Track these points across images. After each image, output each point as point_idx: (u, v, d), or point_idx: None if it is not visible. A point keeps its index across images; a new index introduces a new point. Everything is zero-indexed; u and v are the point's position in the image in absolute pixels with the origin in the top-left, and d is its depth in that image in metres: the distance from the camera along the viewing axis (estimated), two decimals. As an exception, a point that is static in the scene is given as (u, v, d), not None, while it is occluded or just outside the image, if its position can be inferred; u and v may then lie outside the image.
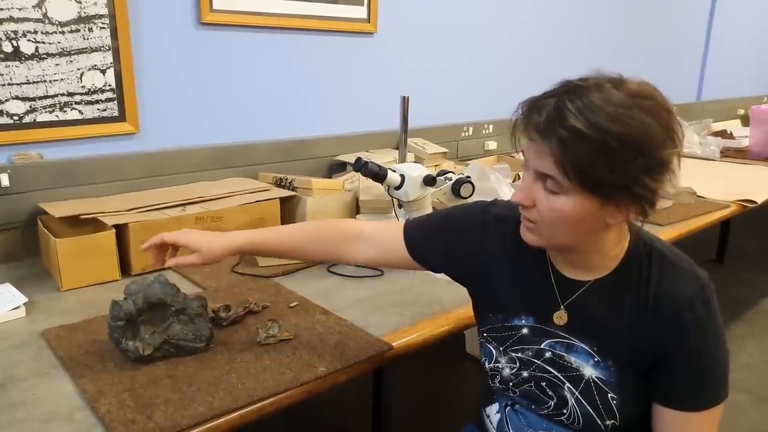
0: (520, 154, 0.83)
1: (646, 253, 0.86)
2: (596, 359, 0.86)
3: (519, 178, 2.21)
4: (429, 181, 1.56)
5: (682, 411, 0.83)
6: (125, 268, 1.41)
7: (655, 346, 0.82)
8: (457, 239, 0.98)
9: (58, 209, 1.42)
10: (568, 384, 0.88)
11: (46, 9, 1.48)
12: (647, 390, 0.85)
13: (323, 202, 1.72)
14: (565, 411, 0.88)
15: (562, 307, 0.89)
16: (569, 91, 0.76)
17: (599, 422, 0.86)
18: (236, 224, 1.55)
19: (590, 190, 0.75)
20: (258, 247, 1.04)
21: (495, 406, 1.01)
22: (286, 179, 1.79)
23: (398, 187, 1.54)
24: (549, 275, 0.90)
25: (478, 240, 0.97)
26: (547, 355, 0.90)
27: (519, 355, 0.92)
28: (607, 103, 0.73)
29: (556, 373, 0.89)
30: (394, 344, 1.10)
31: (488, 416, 1.03)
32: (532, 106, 0.78)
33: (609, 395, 0.85)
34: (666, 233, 1.81)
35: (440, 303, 1.27)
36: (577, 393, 0.87)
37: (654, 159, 0.74)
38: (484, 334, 0.98)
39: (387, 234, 1.03)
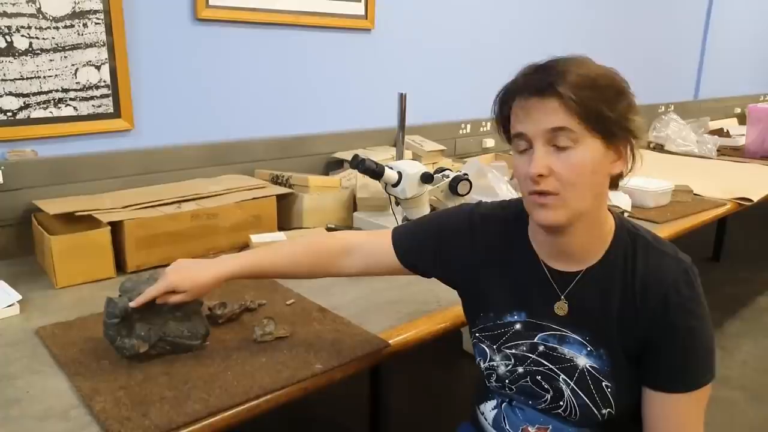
0: (516, 125, 0.84)
1: (630, 240, 0.88)
2: (589, 348, 0.87)
3: (516, 175, 2.20)
4: (426, 178, 1.55)
5: (670, 393, 0.84)
6: (120, 266, 1.40)
7: (643, 331, 0.84)
8: (445, 243, 0.99)
9: (52, 206, 1.41)
10: (562, 375, 0.89)
11: (39, 4, 1.47)
12: (639, 375, 0.87)
13: (320, 200, 1.72)
14: (561, 403, 0.89)
15: (562, 297, 0.90)
16: (556, 60, 0.83)
17: (595, 412, 0.87)
18: (232, 221, 1.54)
19: (598, 130, 0.80)
20: (248, 272, 1.02)
21: (491, 403, 1.01)
22: (283, 176, 1.78)
23: (396, 185, 1.54)
24: (542, 269, 0.91)
25: (467, 242, 0.98)
26: (541, 348, 0.91)
27: (513, 351, 0.93)
28: (590, 64, 0.84)
29: (550, 366, 0.90)
30: (390, 342, 1.10)
31: (483, 413, 1.03)
32: (530, 70, 0.83)
33: (603, 383, 0.86)
34: (663, 231, 1.81)
35: (437, 300, 1.27)
36: (572, 384, 0.88)
37: (630, 99, 0.84)
38: (477, 335, 0.98)
39: (375, 243, 1.04)
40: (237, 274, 1.01)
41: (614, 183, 0.87)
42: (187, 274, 0.98)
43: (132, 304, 0.98)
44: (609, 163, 0.83)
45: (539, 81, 0.80)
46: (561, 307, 0.90)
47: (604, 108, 0.80)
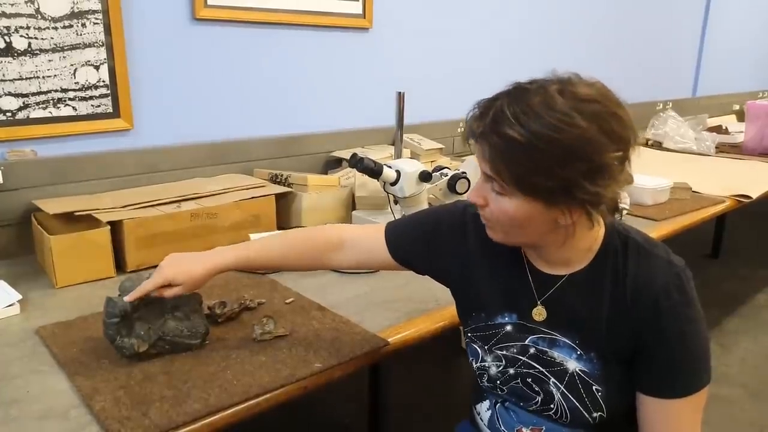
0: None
1: (621, 243, 0.86)
2: (579, 352, 0.86)
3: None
4: (425, 176, 1.56)
5: (665, 398, 0.83)
6: (120, 265, 1.40)
7: (634, 336, 0.83)
8: (437, 240, 0.99)
9: (52, 206, 1.42)
10: (552, 379, 0.88)
11: (38, 4, 1.47)
12: (632, 380, 0.86)
13: (319, 198, 1.72)
14: (552, 406, 0.89)
15: (539, 303, 0.89)
16: (512, 94, 0.77)
17: (586, 415, 0.86)
18: (231, 221, 1.54)
19: (530, 194, 0.77)
20: (243, 264, 1.03)
21: (485, 404, 1.01)
22: (282, 175, 1.78)
23: (394, 183, 1.54)
24: (525, 271, 0.91)
25: (458, 240, 0.97)
26: (531, 351, 0.90)
27: (504, 352, 0.93)
28: (547, 108, 0.73)
29: (540, 369, 0.89)
30: (390, 340, 1.11)
31: (479, 414, 1.03)
32: (478, 109, 0.80)
33: (594, 387, 0.85)
34: (661, 229, 1.81)
35: (435, 299, 1.27)
36: (562, 387, 0.87)
37: (593, 163, 0.74)
38: (469, 334, 0.98)
39: (369, 238, 1.04)
40: (231, 266, 1.01)
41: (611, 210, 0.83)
42: (183, 268, 0.98)
43: (126, 299, 0.98)
44: (554, 215, 0.79)
45: (473, 128, 0.79)
46: (539, 313, 0.89)
47: (535, 174, 0.74)
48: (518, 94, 0.76)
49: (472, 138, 0.80)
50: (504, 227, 0.84)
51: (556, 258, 0.88)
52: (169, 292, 0.98)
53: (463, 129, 0.83)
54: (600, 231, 0.87)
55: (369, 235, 1.04)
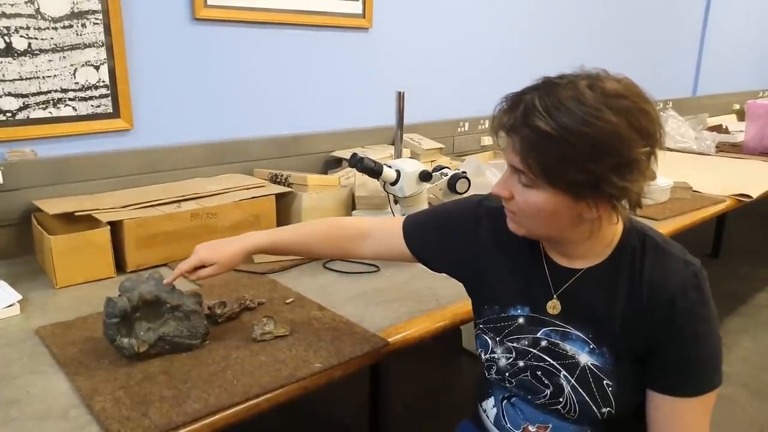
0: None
1: (639, 241, 0.87)
2: (591, 346, 0.87)
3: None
4: (425, 176, 1.55)
5: (675, 397, 0.83)
6: (120, 265, 1.40)
7: (649, 333, 0.83)
8: (451, 234, 1.00)
9: (52, 206, 1.42)
10: (563, 372, 0.88)
11: (38, 4, 1.47)
12: (643, 377, 0.86)
13: (319, 198, 1.72)
14: (561, 399, 0.89)
15: (554, 296, 0.90)
16: (542, 88, 0.77)
17: (595, 410, 0.86)
18: (231, 221, 1.54)
19: (558, 187, 0.78)
20: (270, 247, 1.08)
21: (491, 400, 1.01)
22: (282, 175, 1.78)
23: (394, 183, 1.54)
24: (542, 264, 0.92)
25: (473, 233, 0.98)
26: (543, 343, 0.90)
27: (515, 344, 0.93)
28: (577, 102, 0.74)
29: (551, 362, 0.89)
30: (390, 340, 1.11)
31: (485, 411, 1.03)
32: (508, 102, 0.80)
33: (604, 382, 0.86)
34: (661, 228, 1.81)
35: (436, 299, 1.27)
36: (572, 380, 0.87)
37: (622, 158, 0.75)
38: (480, 326, 0.99)
39: (389, 231, 1.06)
40: (262, 248, 1.07)
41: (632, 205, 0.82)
42: (216, 248, 1.04)
43: (165, 282, 1.03)
44: (580, 209, 0.80)
45: (503, 121, 0.80)
46: (554, 306, 0.90)
47: (564, 167, 0.75)
48: (548, 88, 0.77)
49: (501, 130, 0.80)
50: (529, 220, 0.84)
51: (576, 252, 0.88)
52: (204, 272, 1.03)
53: (491, 121, 0.84)
54: (619, 227, 0.87)
55: (389, 227, 1.07)
